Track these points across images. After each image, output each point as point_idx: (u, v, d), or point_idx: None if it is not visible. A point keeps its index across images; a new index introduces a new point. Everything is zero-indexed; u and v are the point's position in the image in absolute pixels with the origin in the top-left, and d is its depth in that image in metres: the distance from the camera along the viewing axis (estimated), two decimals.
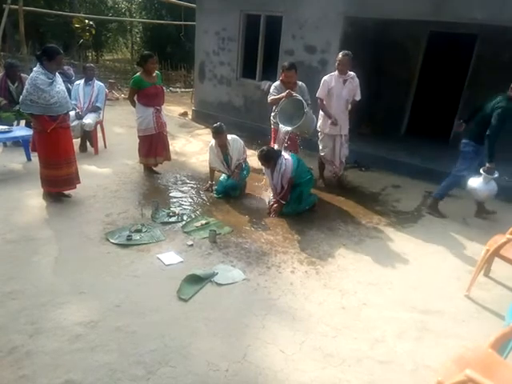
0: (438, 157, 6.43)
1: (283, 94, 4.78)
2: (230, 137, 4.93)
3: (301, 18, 6.85)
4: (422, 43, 7.36)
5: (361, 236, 4.32)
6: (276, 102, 4.92)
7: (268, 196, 4.95)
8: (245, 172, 5.10)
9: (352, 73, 5.15)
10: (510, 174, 5.70)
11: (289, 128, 4.73)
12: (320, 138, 5.49)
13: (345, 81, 5.10)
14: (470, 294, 3.39)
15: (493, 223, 4.73)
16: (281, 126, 4.81)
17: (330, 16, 6.50)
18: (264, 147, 4.54)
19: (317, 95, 5.18)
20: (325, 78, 5.17)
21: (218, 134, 4.79)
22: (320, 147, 5.50)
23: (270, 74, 7.61)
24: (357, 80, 5.16)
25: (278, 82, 5.08)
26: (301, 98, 4.71)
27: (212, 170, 5.16)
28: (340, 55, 4.99)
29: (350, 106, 5.29)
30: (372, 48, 7.35)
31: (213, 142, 4.95)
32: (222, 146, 4.90)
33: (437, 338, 2.89)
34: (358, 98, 5.22)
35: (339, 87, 5.11)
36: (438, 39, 7.13)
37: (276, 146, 4.86)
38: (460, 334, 2.94)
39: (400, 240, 4.31)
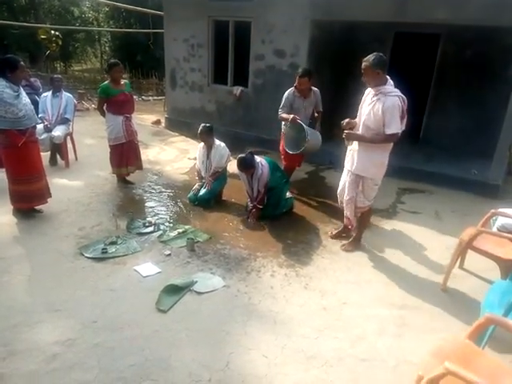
0: (409, 155, 6.57)
1: (289, 117, 4.73)
2: (218, 142, 4.93)
3: (269, 23, 6.90)
4: (387, 44, 7.52)
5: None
6: (283, 120, 4.94)
7: (245, 201, 4.94)
8: (222, 182, 5.04)
9: (389, 87, 3.42)
10: (478, 167, 5.90)
11: (294, 152, 4.82)
12: None
13: (373, 96, 3.48)
14: (446, 287, 3.47)
15: (464, 216, 4.86)
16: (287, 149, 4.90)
17: (297, 20, 6.58)
18: (241, 154, 4.44)
19: None
20: None
21: (203, 134, 4.83)
22: None
23: (241, 78, 7.63)
24: (390, 101, 3.34)
25: (292, 89, 4.92)
26: (302, 124, 4.67)
27: (198, 172, 5.12)
28: None
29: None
30: (340, 50, 7.47)
31: None
32: (208, 147, 4.91)
33: (416, 332, 2.94)
34: (389, 130, 3.42)
35: (365, 104, 3.61)
36: (403, 40, 7.31)
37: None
38: (438, 327, 3.00)
39: (376, 237, 4.38)
